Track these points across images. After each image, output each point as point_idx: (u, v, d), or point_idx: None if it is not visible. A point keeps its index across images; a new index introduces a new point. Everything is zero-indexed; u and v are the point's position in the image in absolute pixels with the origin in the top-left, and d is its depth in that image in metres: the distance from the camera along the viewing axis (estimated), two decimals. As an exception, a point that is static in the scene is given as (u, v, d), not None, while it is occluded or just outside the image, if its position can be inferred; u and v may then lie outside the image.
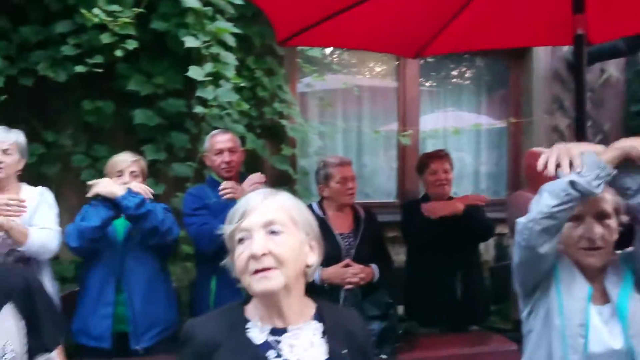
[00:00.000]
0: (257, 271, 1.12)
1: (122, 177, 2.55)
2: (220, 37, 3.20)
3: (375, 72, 4.67)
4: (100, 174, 3.06)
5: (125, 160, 2.58)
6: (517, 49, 4.34)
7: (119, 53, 2.99)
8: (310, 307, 1.26)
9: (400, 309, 3.20)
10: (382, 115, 4.48)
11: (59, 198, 2.65)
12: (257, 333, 1.19)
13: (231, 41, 3.25)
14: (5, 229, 2.25)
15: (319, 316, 1.24)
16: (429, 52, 3.15)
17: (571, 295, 1.53)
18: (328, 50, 4.39)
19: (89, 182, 2.48)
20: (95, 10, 2.93)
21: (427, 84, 4.66)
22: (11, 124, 2.59)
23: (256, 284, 1.13)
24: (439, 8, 2.68)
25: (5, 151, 2.37)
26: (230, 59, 3.21)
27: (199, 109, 3.12)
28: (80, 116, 3.32)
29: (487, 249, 4.32)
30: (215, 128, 3.03)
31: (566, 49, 4.48)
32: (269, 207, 1.19)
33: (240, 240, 1.17)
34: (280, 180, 3.71)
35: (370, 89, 4.47)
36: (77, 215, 2.53)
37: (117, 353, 2.45)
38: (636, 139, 1.45)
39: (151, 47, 3.27)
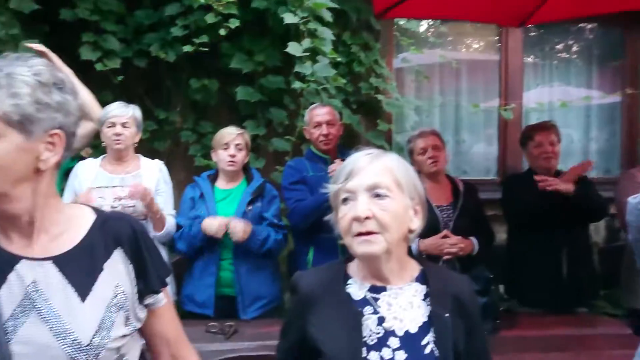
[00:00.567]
0: (360, 234, 1.14)
1: (228, 150, 2.67)
2: (317, 12, 3.23)
3: (474, 44, 4.50)
4: (206, 149, 3.26)
5: (231, 133, 2.70)
6: (633, 14, 3.97)
7: (222, 32, 3.12)
8: (414, 269, 1.26)
9: (501, 289, 3.10)
10: (482, 90, 4.31)
11: (169, 172, 2.84)
12: (356, 289, 1.22)
13: (328, 16, 3.28)
14: (153, 216, 2.44)
15: (422, 278, 1.24)
16: (534, 20, 2.96)
17: None
18: (425, 24, 4.29)
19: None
20: (201, -8, 3.08)
21: (531, 58, 4.40)
22: (127, 102, 2.80)
23: (358, 247, 1.15)
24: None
25: (124, 124, 2.57)
26: (327, 34, 3.23)
27: (297, 85, 3.19)
28: (188, 94, 3.52)
29: (597, 230, 4.05)
30: (313, 103, 3.08)
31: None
32: (375, 169, 1.18)
33: (345, 201, 1.17)
34: (376, 156, 3.69)
35: (469, 62, 4.31)
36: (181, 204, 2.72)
37: (224, 314, 2.57)
38: None
39: (252, 25, 3.38)
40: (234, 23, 3.13)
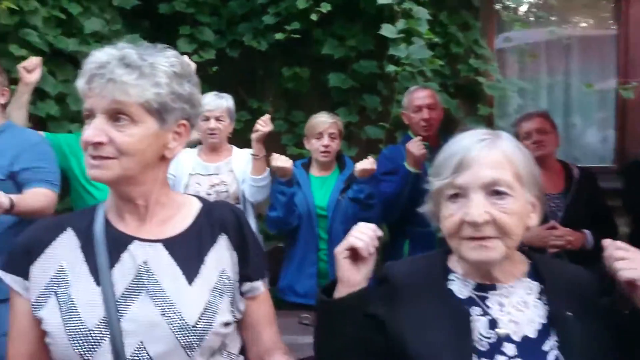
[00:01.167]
0: (473, 238, 0.98)
1: (322, 139, 2.60)
2: (412, -9, 3.07)
3: (587, 18, 4.08)
4: (298, 138, 3.22)
5: (324, 121, 2.63)
6: None
7: (314, 17, 3.06)
8: (523, 263, 1.09)
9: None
10: (596, 68, 3.91)
11: (262, 160, 2.83)
12: (459, 286, 1.07)
13: (424, -5, 3.11)
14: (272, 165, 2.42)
15: (534, 274, 1.07)
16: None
17: None
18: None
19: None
20: (292, -24, 3.04)
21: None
22: (221, 92, 2.82)
23: (470, 252, 0.98)
24: None
25: (218, 118, 2.58)
26: (423, 14, 3.05)
27: (390, 69, 3.05)
28: (280, 83, 3.50)
29: None
30: (407, 88, 2.93)
31: None
32: (492, 160, 0.98)
33: (452, 197, 1.00)
34: (476, 143, 3.47)
35: (581, 39, 3.92)
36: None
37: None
38: None
39: (344, 9, 3.28)
40: (325, 7, 3.05)
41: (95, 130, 0.93)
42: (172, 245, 1.02)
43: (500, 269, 1.04)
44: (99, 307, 0.94)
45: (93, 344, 0.92)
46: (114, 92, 0.92)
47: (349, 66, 3.37)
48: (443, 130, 2.78)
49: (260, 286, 1.10)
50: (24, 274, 0.99)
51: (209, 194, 2.52)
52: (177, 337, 0.95)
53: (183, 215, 1.06)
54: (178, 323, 0.95)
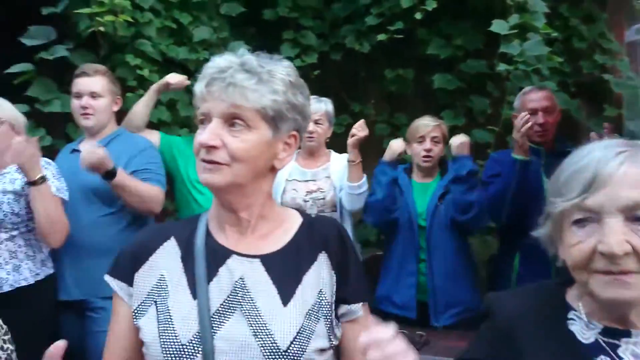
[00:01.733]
0: (608, 272, 0.81)
1: (424, 143, 2.47)
2: (528, -17, 2.83)
3: None
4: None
5: (426, 125, 2.49)
6: None
7: (418, 16, 2.93)
8: None
9: None
10: None
11: (362, 165, 2.75)
12: (582, 328, 0.88)
13: (541, -14, 2.85)
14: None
15: None
16: None
17: None
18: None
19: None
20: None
21: None
22: (322, 97, 2.78)
23: (604, 289, 0.81)
24: None
25: (316, 121, 2.55)
26: (540, 6, 2.81)
27: (501, 68, 2.84)
28: (383, 85, 3.41)
29: None
30: (521, 89, 2.70)
31: None
32: (634, 177, 0.80)
33: (579, 222, 0.83)
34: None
35: None
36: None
37: (420, 323, 2.40)
38: None
39: (451, 6, 3.11)
40: (430, 5, 2.91)
41: (210, 133, 0.92)
42: (270, 262, 0.98)
43: (638, 312, 0.85)
44: (193, 322, 0.92)
45: (185, 359, 0.90)
46: (233, 96, 0.91)
47: (456, 66, 3.19)
48: (561, 135, 2.52)
49: (358, 310, 1.01)
50: (129, 280, 0.99)
51: (305, 201, 2.49)
52: None
53: (284, 231, 1.02)
54: (269, 347, 0.90)
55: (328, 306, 0.97)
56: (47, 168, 2.00)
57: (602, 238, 0.79)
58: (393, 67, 3.33)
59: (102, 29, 2.62)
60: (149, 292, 0.97)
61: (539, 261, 1.97)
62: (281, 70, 0.96)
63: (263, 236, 1.00)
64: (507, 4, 2.79)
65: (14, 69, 2.68)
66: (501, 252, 2.62)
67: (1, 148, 1.97)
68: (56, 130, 2.80)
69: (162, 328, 0.92)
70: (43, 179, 1.90)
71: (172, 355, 0.90)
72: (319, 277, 0.98)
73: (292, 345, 0.91)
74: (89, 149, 1.98)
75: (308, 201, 2.49)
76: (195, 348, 0.90)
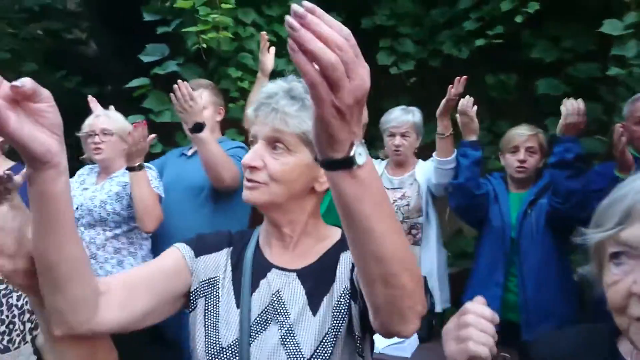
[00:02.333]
0: None
1: (517, 154, 2.35)
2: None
3: None
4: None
5: (521, 134, 2.37)
6: None
7: (519, 19, 2.79)
8: None
9: None
10: None
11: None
12: None
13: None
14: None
15: None
16: None
17: None
18: None
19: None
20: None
21: None
22: (419, 104, 2.75)
23: None
24: None
25: (403, 134, 2.53)
26: (661, 3, 2.53)
27: (613, 72, 2.60)
28: (484, 91, 3.27)
29: None
30: (635, 93, 2.45)
31: None
32: None
33: (616, 257, 0.75)
34: None
35: None
36: None
37: (504, 340, 2.29)
38: None
39: (556, 7, 2.91)
40: (532, 7, 2.75)
41: (253, 154, 0.98)
42: (305, 275, 1.02)
43: None
44: (235, 329, 0.99)
45: None
46: (275, 121, 0.97)
47: (563, 70, 2.98)
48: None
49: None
50: (195, 255, 1.04)
51: (391, 209, 2.49)
52: None
53: (323, 246, 1.06)
54: (294, 354, 0.95)
55: (354, 317, 0.97)
56: (148, 171, 2.20)
57: (637, 277, 0.70)
58: (494, 72, 3.19)
59: (205, 45, 2.83)
60: (202, 282, 1.03)
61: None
62: None
63: (303, 252, 1.05)
64: (625, 1, 2.54)
65: (133, 83, 2.99)
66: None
67: (112, 156, 2.23)
68: (167, 138, 3.08)
69: (208, 327, 1.00)
70: (141, 167, 2.10)
71: (212, 356, 0.97)
72: (342, 273, 1.01)
73: (316, 353, 0.95)
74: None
75: (394, 209, 2.49)
76: (233, 352, 0.97)
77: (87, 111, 2.37)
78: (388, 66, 3.29)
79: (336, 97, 0.60)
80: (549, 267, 2.28)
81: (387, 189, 2.57)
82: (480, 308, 0.79)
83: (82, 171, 2.40)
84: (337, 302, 0.98)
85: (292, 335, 0.97)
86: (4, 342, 0.99)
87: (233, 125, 2.95)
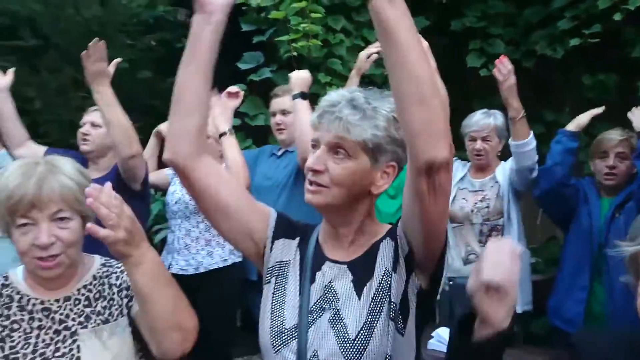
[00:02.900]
0: None
1: (607, 160, 2.26)
2: None
3: None
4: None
5: (611, 138, 2.28)
6: None
7: (617, 17, 2.65)
8: None
9: None
10: None
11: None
12: None
13: None
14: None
15: None
16: None
17: None
18: None
19: None
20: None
21: None
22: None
23: None
24: None
25: (484, 138, 2.49)
26: None
27: None
28: (580, 92, 3.14)
29: None
30: None
31: None
32: None
33: None
34: None
35: None
36: None
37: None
38: None
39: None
40: (634, 4, 2.60)
41: (316, 159, 1.07)
42: (354, 266, 1.11)
43: None
44: (296, 313, 1.11)
45: (284, 340, 1.09)
46: (337, 129, 1.05)
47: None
48: None
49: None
50: (274, 237, 1.17)
51: (472, 211, 2.51)
52: (340, 350, 1.05)
53: (373, 240, 1.14)
54: (343, 336, 1.05)
55: (395, 304, 1.05)
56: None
57: None
58: (592, 72, 3.05)
59: (296, 53, 2.99)
60: (276, 263, 1.15)
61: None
62: (386, 107, 1.06)
63: (355, 247, 1.14)
64: None
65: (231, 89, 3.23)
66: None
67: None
68: (261, 140, 3.29)
69: (274, 308, 1.12)
70: (231, 131, 2.23)
71: (275, 335, 1.10)
72: (382, 261, 1.09)
73: (360, 334, 1.04)
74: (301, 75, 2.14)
75: (474, 210, 2.50)
76: (293, 335, 1.09)
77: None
78: (478, 68, 3.25)
79: None
80: None
81: (469, 191, 2.57)
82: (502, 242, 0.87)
83: None
84: (378, 285, 1.07)
85: (339, 318, 1.07)
86: (105, 315, 1.19)
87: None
